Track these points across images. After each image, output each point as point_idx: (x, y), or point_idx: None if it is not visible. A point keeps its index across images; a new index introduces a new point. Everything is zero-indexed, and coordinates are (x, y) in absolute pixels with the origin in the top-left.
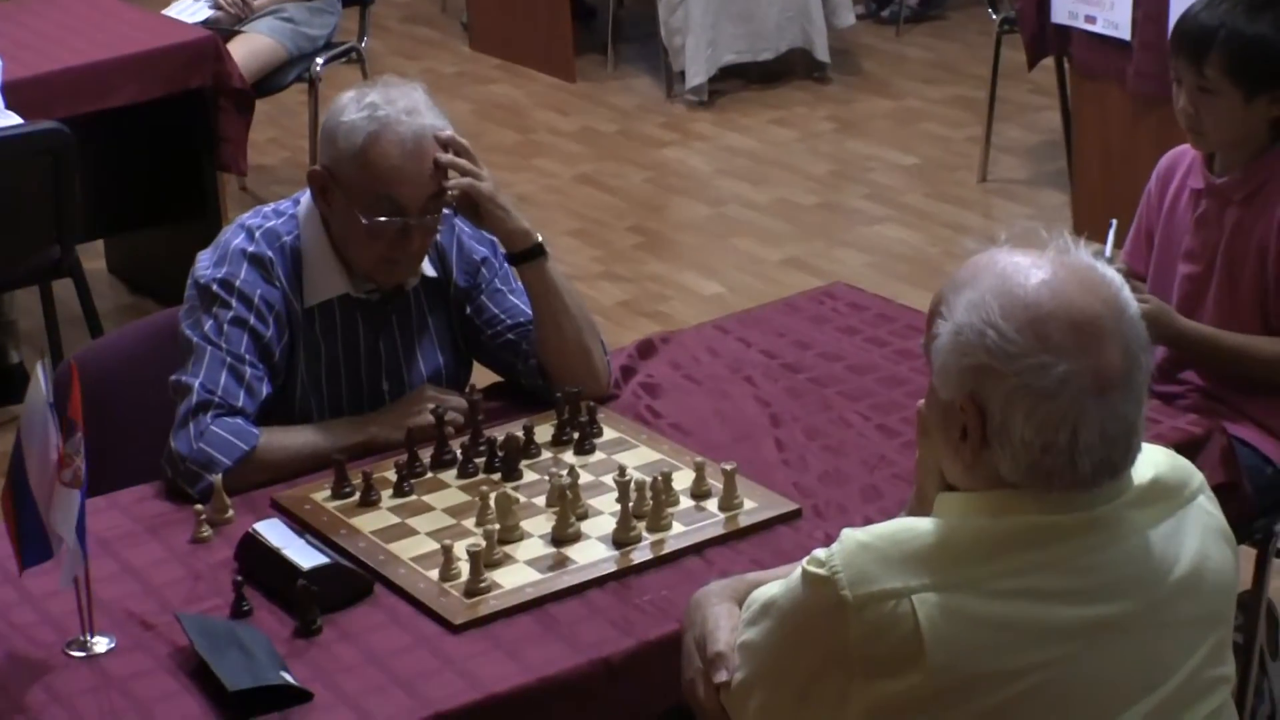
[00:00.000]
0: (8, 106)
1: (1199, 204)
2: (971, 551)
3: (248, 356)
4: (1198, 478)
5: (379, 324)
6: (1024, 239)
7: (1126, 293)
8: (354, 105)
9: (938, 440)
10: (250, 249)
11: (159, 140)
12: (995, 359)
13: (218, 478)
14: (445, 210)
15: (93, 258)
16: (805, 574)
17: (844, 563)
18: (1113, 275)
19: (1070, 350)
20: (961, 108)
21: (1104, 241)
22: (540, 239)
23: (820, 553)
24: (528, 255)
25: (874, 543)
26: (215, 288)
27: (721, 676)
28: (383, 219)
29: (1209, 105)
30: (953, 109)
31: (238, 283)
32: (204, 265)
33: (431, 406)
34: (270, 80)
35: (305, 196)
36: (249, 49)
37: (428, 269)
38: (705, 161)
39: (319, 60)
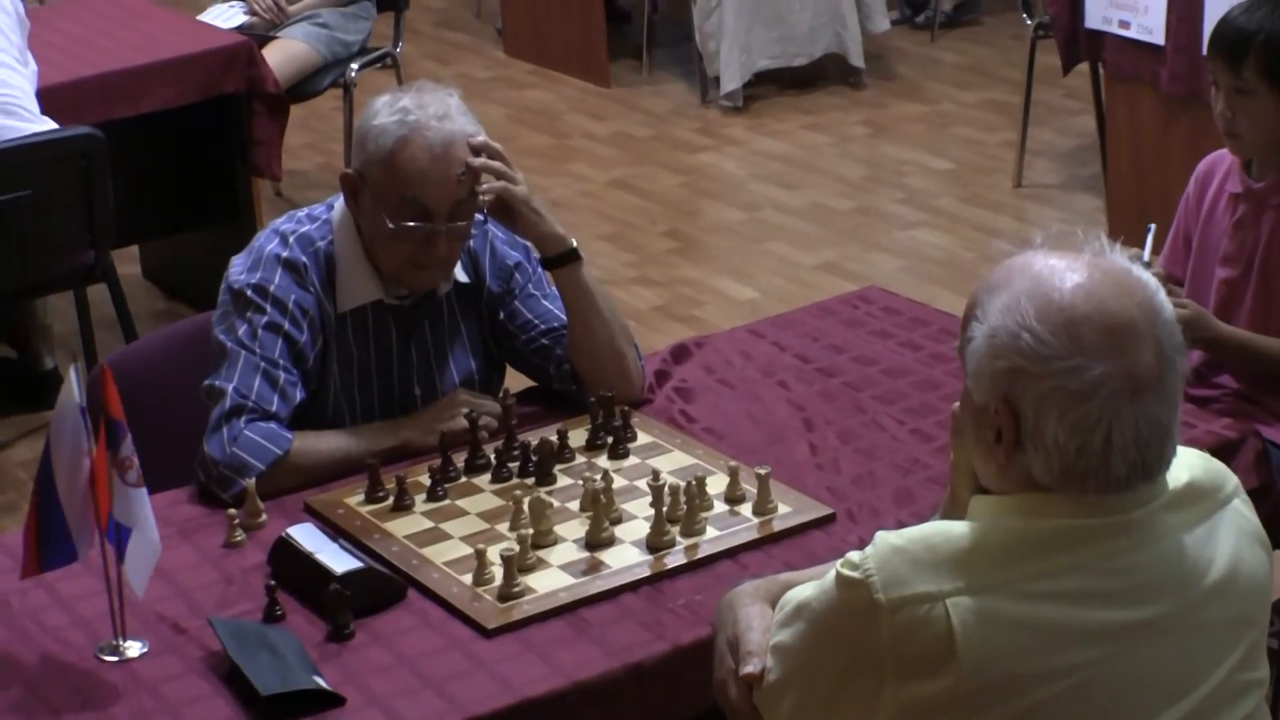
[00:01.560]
0: (42, 111)
1: (1236, 208)
2: (1005, 554)
3: (281, 361)
4: (1232, 481)
5: (411, 329)
6: (1060, 241)
7: (1161, 296)
8: (386, 109)
9: (971, 443)
10: (284, 254)
11: (193, 145)
12: (1029, 361)
13: (251, 482)
14: (478, 215)
15: (128, 263)
16: (839, 576)
17: (878, 565)
18: (1148, 278)
19: (1104, 353)
20: (996, 112)
21: (1142, 246)
22: (574, 243)
23: (854, 555)
24: (562, 260)
25: (907, 546)
26: (249, 293)
27: (753, 665)
28: (409, 223)
29: (1246, 108)
30: (987, 113)
31: (272, 288)
32: (238, 270)
33: (464, 411)
34: (305, 85)
35: (339, 202)
36: (284, 54)
37: (460, 274)
38: (739, 166)
39: (354, 65)
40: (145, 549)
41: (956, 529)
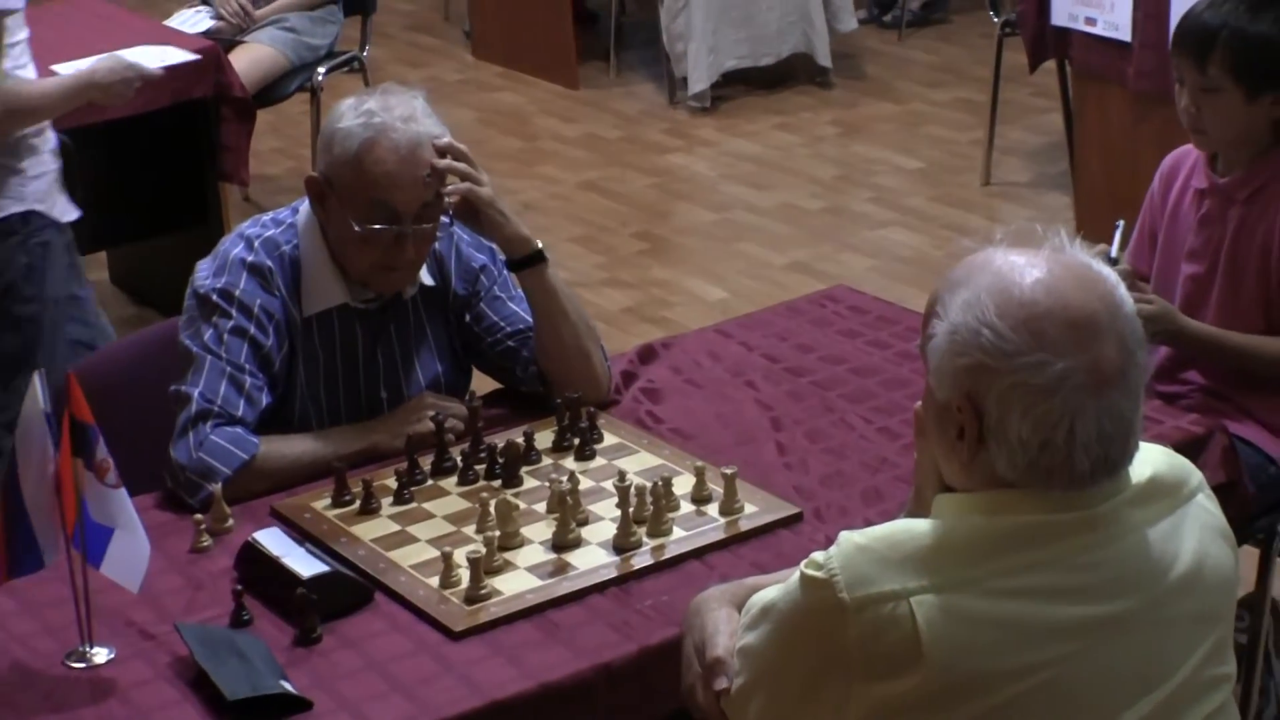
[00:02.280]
0: None
1: (1202, 204)
2: (969, 551)
3: (248, 366)
4: (1196, 476)
5: (378, 333)
6: (1020, 237)
7: (1122, 290)
8: (351, 112)
9: (935, 440)
10: (250, 258)
11: (161, 151)
12: (991, 358)
13: (217, 487)
14: (444, 218)
15: (96, 269)
16: (803, 577)
17: (842, 565)
18: (1108, 273)
19: (1066, 348)
20: (965, 111)
21: (1110, 242)
22: (540, 245)
23: (818, 555)
24: (527, 261)
25: (871, 545)
26: (215, 297)
27: (721, 684)
28: (377, 226)
29: (1212, 105)
30: (956, 112)
31: (237, 292)
32: (203, 275)
33: (431, 414)
34: (272, 90)
35: (304, 206)
36: (251, 59)
37: (425, 277)
38: (709, 167)
39: (321, 70)
40: (133, 547)
41: (920, 527)
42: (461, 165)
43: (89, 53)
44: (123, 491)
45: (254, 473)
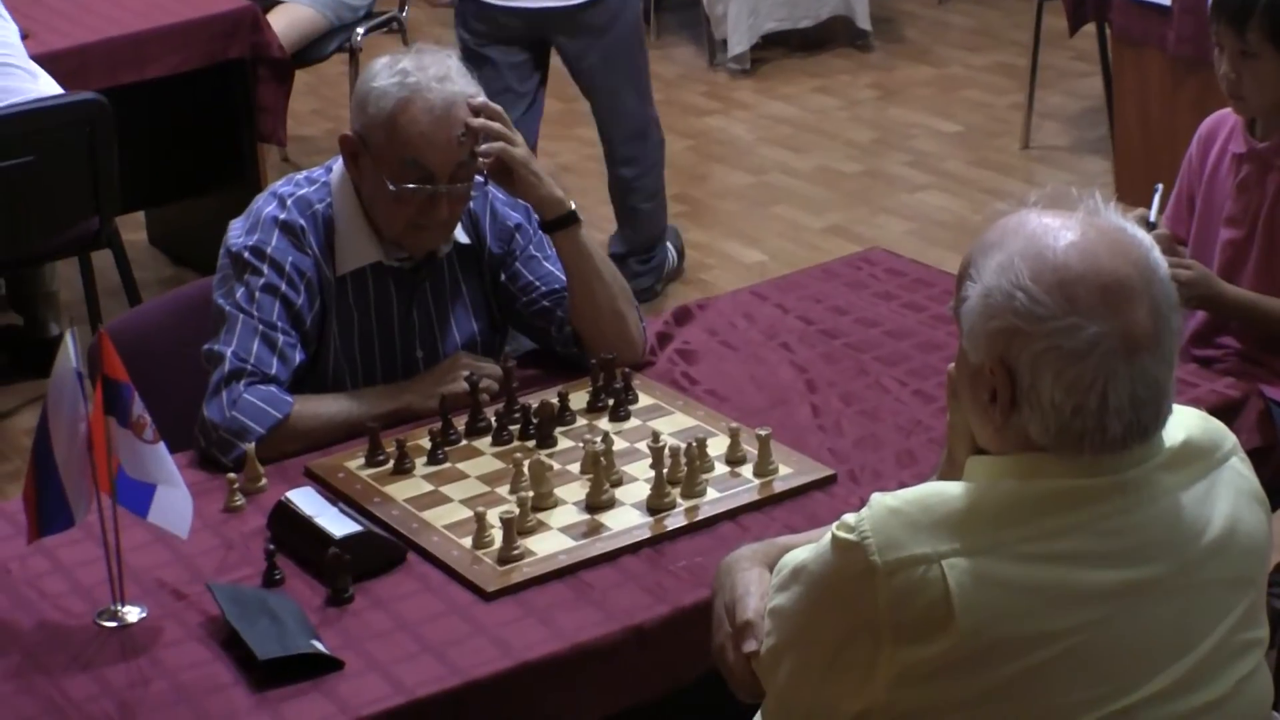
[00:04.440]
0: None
1: (1240, 169)
2: (1001, 515)
3: (280, 324)
4: (1230, 439)
5: (412, 292)
6: (1054, 200)
7: (1156, 254)
8: (386, 71)
9: (967, 403)
10: (282, 216)
11: (199, 111)
12: (1024, 321)
13: (251, 446)
14: (478, 177)
15: (134, 230)
16: (835, 539)
17: (873, 528)
18: (1143, 236)
19: (1099, 312)
20: (1003, 75)
21: (1149, 206)
22: (573, 206)
23: (850, 518)
24: (561, 223)
25: (903, 508)
26: (247, 255)
27: (750, 646)
28: (411, 185)
29: (1251, 70)
30: (995, 76)
31: (269, 250)
32: (236, 233)
33: (465, 374)
34: (311, 50)
35: (337, 164)
36: (289, 19)
37: (460, 236)
38: (747, 130)
39: (359, 30)
40: (177, 500)
41: (952, 490)
42: (496, 125)
43: (126, 15)
44: (161, 447)
45: (287, 432)
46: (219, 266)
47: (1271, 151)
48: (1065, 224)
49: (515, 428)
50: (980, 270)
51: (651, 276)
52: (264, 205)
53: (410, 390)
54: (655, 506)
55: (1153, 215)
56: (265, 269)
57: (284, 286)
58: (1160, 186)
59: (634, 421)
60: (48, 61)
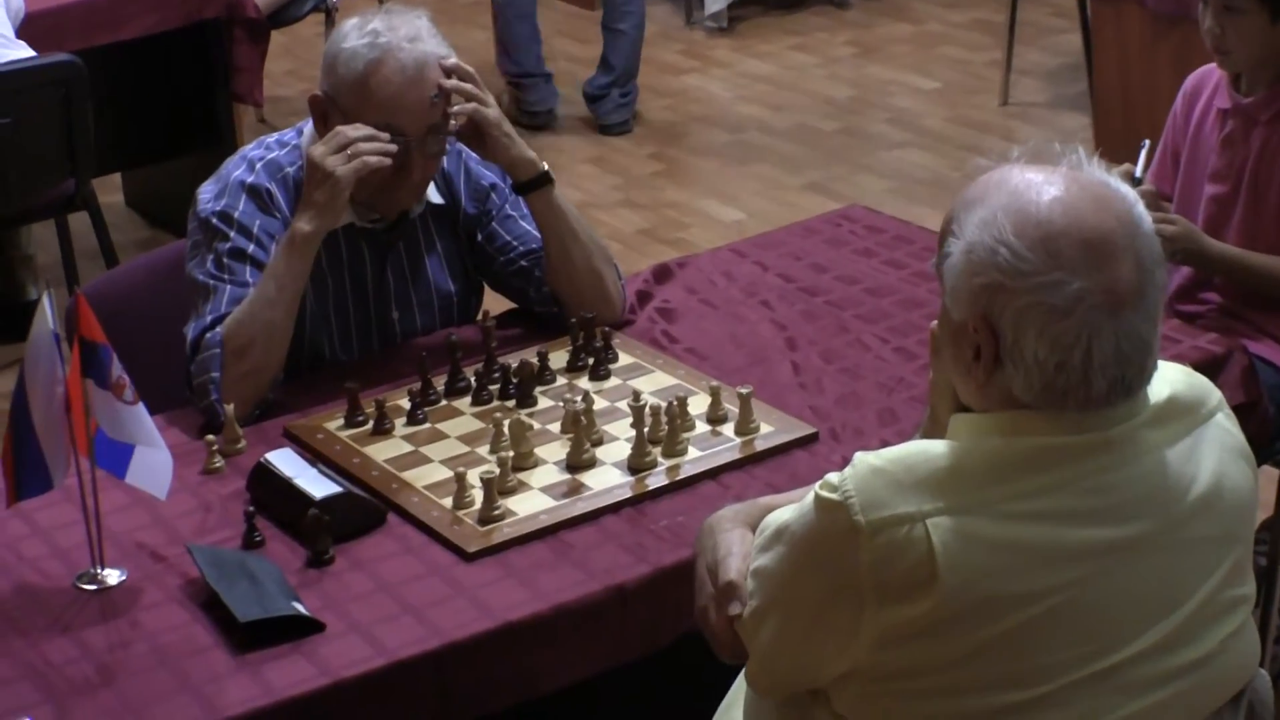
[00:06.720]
0: (19, 38)
1: (1225, 124)
2: (985, 474)
3: (251, 281)
4: (1215, 395)
5: (386, 252)
6: (1037, 155)
7: (1140, 208)
8: (356, 32)
9: (950, 361)
10: (249, 180)
11: (174, 72)
12: (1007, 277)
13: (230, 408)
14: (449, 139)
15: (110, 191)
16: (818, 499)
17: (856, 487)
18: (1126, 191)
19: (1083, 267)
20: (982, 31)
21: (1134, 162)
22: (546, 167)
23: (833, 477)
24: (534, 184)
25: (887, 466)
26: (215, 220)
27: (734, 609)
28: None
29: (1235, 25)
30: (973, 33)
31: (236, 214)
32: (205, 198)
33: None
34: (286, 11)
35: (308, 126)
36: None
37: (434, 195)
38: (725, 88)
39: None
40: (156, 461)
41: (936, 448)
42: (468, 86)
43: None
44: (140, 407)
45: (232, 351)
46: (189, 231)
47: (1256, 106)
48: (1048, 179)
49: (495, 387)
50: (963, 226)
51: (628, 109)
52: (232, 169)
53: (298, 216)
54: (636, 466)
55: (1139, 171)
56: (232, 234)
57: (252, 248)
58: (1147, 142)
59: (614, 380)
60: (23, 22)
